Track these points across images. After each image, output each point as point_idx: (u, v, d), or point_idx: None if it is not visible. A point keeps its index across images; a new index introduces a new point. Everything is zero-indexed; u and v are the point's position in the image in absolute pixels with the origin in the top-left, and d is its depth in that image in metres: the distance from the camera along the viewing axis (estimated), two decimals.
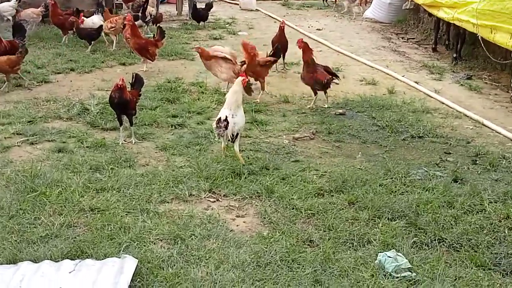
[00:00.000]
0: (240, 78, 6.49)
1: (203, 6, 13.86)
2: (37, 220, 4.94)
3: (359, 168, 6.28)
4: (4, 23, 11.70)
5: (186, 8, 14.87)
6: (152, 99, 8.21)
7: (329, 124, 7.54)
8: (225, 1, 17.33)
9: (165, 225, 4.96)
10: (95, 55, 10.40)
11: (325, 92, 8.29)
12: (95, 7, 11.58)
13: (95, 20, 11.03)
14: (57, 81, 9.05)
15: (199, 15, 13.49)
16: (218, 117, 6.25)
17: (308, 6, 17.35)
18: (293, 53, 11.01)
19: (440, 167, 6.43)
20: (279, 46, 9.22)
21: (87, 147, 6.61)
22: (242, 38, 11.36)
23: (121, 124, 6.90)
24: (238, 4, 16.58)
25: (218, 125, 6.20)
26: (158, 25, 11.40)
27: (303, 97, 8.73)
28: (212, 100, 8.36)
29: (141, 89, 7.20)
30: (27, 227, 4.83)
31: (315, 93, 8.33)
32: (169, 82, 9.13)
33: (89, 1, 12.78)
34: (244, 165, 6.07)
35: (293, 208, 5.33)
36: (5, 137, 6.80)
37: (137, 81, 7.11)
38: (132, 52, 10.52)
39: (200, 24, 13.46)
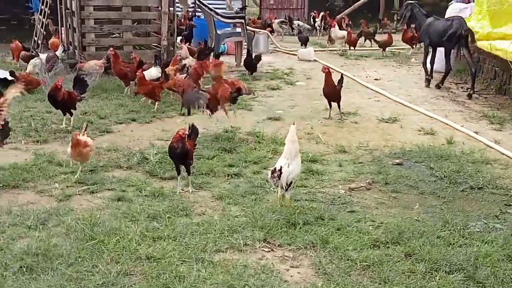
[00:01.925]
0: (294, 126, 6.54)
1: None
2: (94, 268, 5.03)
3: (416, 220, 6.20)
4: (70, 75, 12.15)
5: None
6: (209, 149, 8.34)
7: (386, 174, 7.49)
8: (284, 52, 17.57)
9: (219, 274, 4.98)
10: (154, 106, 10.63)
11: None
12: (154, 60, 11.88)
13: (153, 73, 11.31)
14: (119, 131, 9.30)
15: (251, 65, 13.56)
16: (274, 167, 6.33)
17: (366, 56, 17.42)
18: (350, 102, 11.10)
19: (500, 219, 6.28)
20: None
21: (145, 195, 6.73)
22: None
23: (179, 173, 7.02)
24: (296, 55, 16.77)
25: (272, 175, 6.27)
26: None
27: (360, 146, 8.71)
28: (268, 149, 8.43)
29: (196, 139, 7.34)
30: (85, 275, 4.93)
31: None
32: (226, 131, 9.26)
33: (151, 54, 13.18)
34: (298, 214, 6.08)
35: (348, 260, 5.28)
36: (67, 186, 7.00)
37: (194, 132, 7.25)
38: None
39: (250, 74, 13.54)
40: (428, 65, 13.19)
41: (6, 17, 17.34)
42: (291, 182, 6.32)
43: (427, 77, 13.17)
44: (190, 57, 12.79)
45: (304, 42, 18.45)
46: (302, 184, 7.14)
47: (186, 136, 7.15)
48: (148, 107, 10.52)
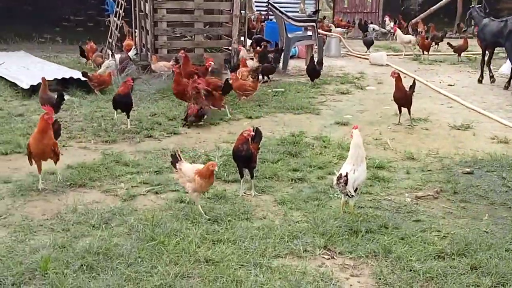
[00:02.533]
0: (357, 130, 6.40)
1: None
2: (153, 269, 5.05)
3: (485, 231, 5.96)
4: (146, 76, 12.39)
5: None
6: (274, 152, 8.28)
7: (455, 183, 7.25)
8: (355, 56, 17.36)
9: (277, 280, 4.91)
10: (223, 108, 10.67)
11: None
12: (224, 63, 11.91)
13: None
14: (186, 133, 9.36)
15: (314, 71, 13.19)
16: (339, 173, 6.20)
17: (440, 61, 17.01)
18: (422, 108, 10.83)
19: None
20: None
21: (208, 198, 6.73)
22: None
23: (242, 176, 6.99)
24: (368, 59, 16.53)
25: (338, 182, 6.15)
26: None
27: (429, 154, 8.48)
28: (334, 155, 8.30)
29: (260, 143, 7.30)
30: (144, 275, 4.95)
31: None
32: (292, 135, 9.18)
33: (222, 57, 13.26)
34: (360, 221, 5.95)
35: (410, 270, 5.12)
36: (132, 186, 7.08)
37: (258, 135, 7.20)
38: (260, 105, 10.79)
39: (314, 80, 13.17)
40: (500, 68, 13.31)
41: (83, 18, 17.75)
42: (356, 189, 6.19)
43: (487, 76, 13.68)
44: (250, 60, 12.78)
45: (368, 45, 18.20)
46: (367, 191, 6.99)
47: (251, 138, 7.13)
48: (216, 111, 10.55)
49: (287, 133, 9.35)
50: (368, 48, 18.06)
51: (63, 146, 8.23)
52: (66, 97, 10.79)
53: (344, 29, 19.32)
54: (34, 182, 7.03)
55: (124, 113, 9.47)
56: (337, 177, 6.18)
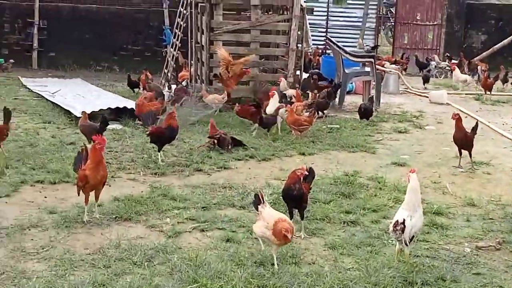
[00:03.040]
0: (415, 174, 6.08)
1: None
2: None
3: None
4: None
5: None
6: (327, 192, 7.96)
7: None
8: (415, 94, 16.92)
9: None
10: (276, 143, 10.43)
11: None
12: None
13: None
14: (236, 167, 9.13)
15: (366, 111, 12.50)
16: (395, 219, 5.88)
17: (503, 102, 16.39)
18: (483, 151, 10.36)
19: None
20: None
21: (255, 238, 6.45)
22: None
23: (291, 217, 6.69)
24: (427, 97, 16.08)
25: (395, 229, 5.82)
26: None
27: (491, 200, 8.02)
28: (389, 197, 7.93)
29: (312, 182, 7.01)
30: None
31: None
32: (346, 175, 8.85)
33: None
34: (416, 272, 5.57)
35: None
36: (178, 222, 6.87)
37: (310, 174, 6.92)
38: (313, 142, 10.52)
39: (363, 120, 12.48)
40: None
41: (140, 48, 17.88)
42: (412, 237, 5.85)
43: None
44: (290, 90, 12.51)
45: (425, 80, 17.79)
46: (423, 239, 6.60)
47: (303, 177, 6.84)
48: (269, 144, 10.32)
49: (340, 172, 9.03)
50: (423, 84, 17.66)
51: (112, 177, 8.09)
52: (117, 126, 10.78)
53: (398, 66, 18.92)
54: (80, 214, 6.89)
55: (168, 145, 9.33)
56: (394, 223, 5.85)
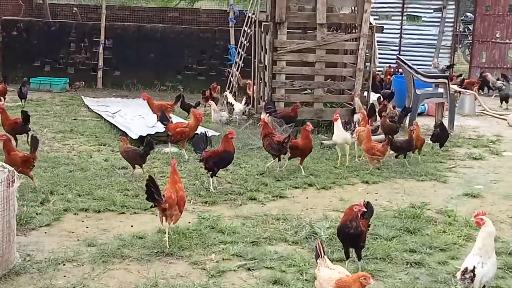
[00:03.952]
0: (488, 220, 5.36)
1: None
2: None
3: None
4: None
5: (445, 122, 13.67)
6: (389, 227, 7.26)
7: None
8: (492, 116, 15.88)
9: None
10: (337, 169, 9.78)
11: None
12: (345, 121, 10.91)
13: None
14: (293, 196, 8.54)
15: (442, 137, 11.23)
16: (465, 266, 5.20)
17: None
18: None
19: None
20: None
21: (305, 280, 5.86)
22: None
23: (347, 257, 6.09)
24: (505, 120, 15.03)
25: (463, 277, 5.14)
26: None
27: None
28: (460, 234, 7.17)
29: (370, 219, 6.35)
30: None
31: None
32: (413, 207, 8.11)
33: (343, 113, 12.32)
34: None
35: None
36: (223, 258, 6.34)
37: (369, 210, 6.27)
38: (379, 169, 9.81)
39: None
40: None
41: (205, 68, 17.55)
42: (484, 286, 5.15)
43: None
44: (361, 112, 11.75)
45: (503, 99, 16.67)
46: (496, 285, 5.84)
47: (361, 214, 6.20)
48: (330, 171, 9.68)
49: (406, 203, 8.30)
50: (501, 103, 16.57)
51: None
52: (173, 149, 10.37)
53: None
54: (120, 247, 6.46)
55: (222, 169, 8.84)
56: (462, 271, 5.17)
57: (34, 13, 20.48)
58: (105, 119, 12.69)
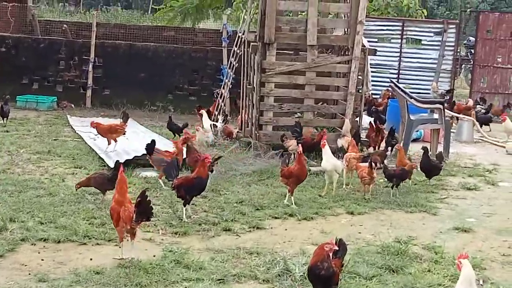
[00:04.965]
0: (467, 262, 4.87)
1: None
2: None
3: None
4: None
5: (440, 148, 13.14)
6: (370, 265, 6.73)
7: None
8: (490, 143, 15.33)
9: None
10: (322, 198, 9.27)
11: None
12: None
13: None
14: (271, 228, 8.00)
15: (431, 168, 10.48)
16: None
17: None
18: None
19: None
20: None
21: None
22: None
23: None
24: (504, 147, 14.50)
25: None
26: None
27: None
28: (446, 274, 6.63)
29: (344, 258, 5.83)
30: None
31: None
32: (398, 241, 7.59)
33: (333, 137, 11.82)
34: None
35: None
36: None
37: (342, 248, 5.75)
38: (365, 199, 9.31)
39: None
40: None
41: (197, 88, 17.15)
42: None
43: None
44: (347, 136, 11.27)
45: (483, 123, 16.16)
46: None
47: (333, 253, 5.69)
48: (314, 200, 9.17)
49: (391, 237, 7.77)
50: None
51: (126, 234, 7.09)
52: (152, 173, 9.89)
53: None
54: (73, 284, 5.95)
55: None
56: None
57: (27, 30, 20.19)
58: (85, 141, 12.22)
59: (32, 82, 17.33)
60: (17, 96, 16.25)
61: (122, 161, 9.83)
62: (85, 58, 17.07)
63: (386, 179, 9.82)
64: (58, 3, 50.32)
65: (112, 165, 9.62)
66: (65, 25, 19.75)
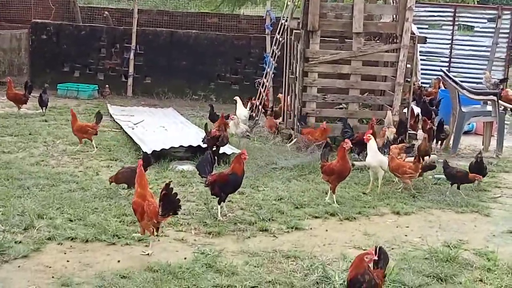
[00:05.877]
0: None
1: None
2: None
3: None
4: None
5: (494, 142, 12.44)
6: (416, 273, 6.22)
7: None
8: None
9: None
10: (366, 196, 8.76)
11: None
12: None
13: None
14: (310, 228, 7.54)
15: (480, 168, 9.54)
16: None
17: None
18: None
19: None
20: None
21: None
22: None
23: None
24: None
25: None
26: None
27: None
28: (500, 284, 6.09)
29: (386, 268, 5.34)
30: None
31: None
32: (447, 246, 7.05)
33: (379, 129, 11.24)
34: None
35: None
36: None
37: (383, 257, 5.26)
38: (414, 196, 8.79)
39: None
40: None
41: (239, 77, 16.72)
42: None
43: None
44: (392, 128, 10.62)
45: None
46: None
47: (373, 263, 5.21)
48: (357, 198, 8.68)
49: (440, 241, 7.25)
50: None
51: (156, 235, 6.72)
52: (188, 167, 9.52)
53: None
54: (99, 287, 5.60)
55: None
56: None
57: (70, 16, 20.04)
58: (124, 130, 11.92)
59: (73, 70, 17.15)
60: (58, 84, 16.08)
61: (158, 149, 9.57)
62: (126, 46, 16.78)
63: (446, 178, 9.25)
64: None
65: (148, 151, 9.23)
66: (106, 12, 19.49)
